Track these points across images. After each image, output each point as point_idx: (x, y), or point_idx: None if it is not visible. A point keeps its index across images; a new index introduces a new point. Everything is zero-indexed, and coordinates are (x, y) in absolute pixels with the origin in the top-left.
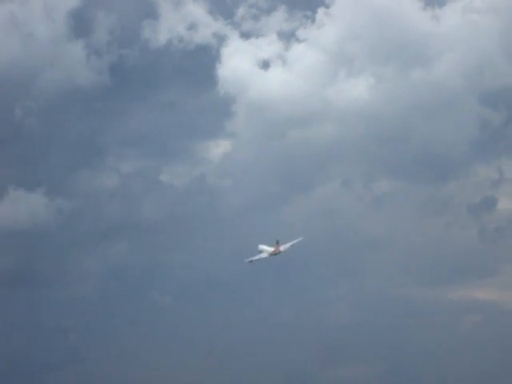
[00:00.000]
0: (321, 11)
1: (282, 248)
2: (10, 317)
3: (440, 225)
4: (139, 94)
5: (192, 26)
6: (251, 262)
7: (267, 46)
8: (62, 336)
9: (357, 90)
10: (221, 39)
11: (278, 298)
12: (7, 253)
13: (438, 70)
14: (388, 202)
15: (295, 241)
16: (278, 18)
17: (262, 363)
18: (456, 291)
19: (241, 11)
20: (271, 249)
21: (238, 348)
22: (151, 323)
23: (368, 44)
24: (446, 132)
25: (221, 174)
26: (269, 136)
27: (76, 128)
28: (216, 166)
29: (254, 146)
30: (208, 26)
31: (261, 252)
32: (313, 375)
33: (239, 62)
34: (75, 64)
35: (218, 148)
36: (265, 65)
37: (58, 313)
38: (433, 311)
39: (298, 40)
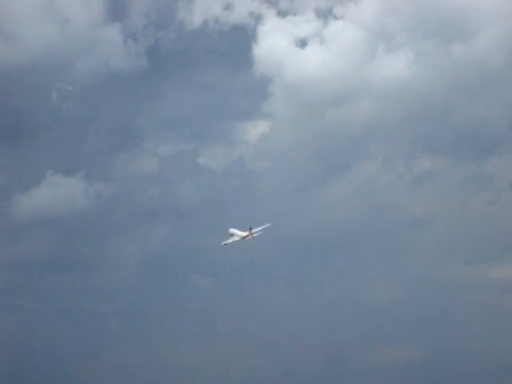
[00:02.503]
0: None
1: (254, 233)
2: (49, 302)
3: (482, 203)
4: (176, 77)
5: (228, 6)
6: (226, 245)
7: (304, 24)
8: (103, 321)
9: (396, 66)
10: (257, 18)
11: (319, 280)
12: (46, 238)
13: (478, 46)
14: (429, 181)
15: (263, 226)
16: None
17: (303, 345)
18: (498, 270)
19: None
20: (243, 233)
21: (279, 329)
22: (192, 306)
23: (407, 19)
24: (488, 108)
25: (258, 156)
26: (307, 116)
27: (113, 112)
28: (253, 148)
29: (291, 126)
30: (244, 6)
31: (232, 235)
32: (354, 357)
33: (276, 41)
34: (112, 48)
35: (256, 129)
36: (302, 43)
37: (98, 298)
38: (475, 290)
39: (336, 17)
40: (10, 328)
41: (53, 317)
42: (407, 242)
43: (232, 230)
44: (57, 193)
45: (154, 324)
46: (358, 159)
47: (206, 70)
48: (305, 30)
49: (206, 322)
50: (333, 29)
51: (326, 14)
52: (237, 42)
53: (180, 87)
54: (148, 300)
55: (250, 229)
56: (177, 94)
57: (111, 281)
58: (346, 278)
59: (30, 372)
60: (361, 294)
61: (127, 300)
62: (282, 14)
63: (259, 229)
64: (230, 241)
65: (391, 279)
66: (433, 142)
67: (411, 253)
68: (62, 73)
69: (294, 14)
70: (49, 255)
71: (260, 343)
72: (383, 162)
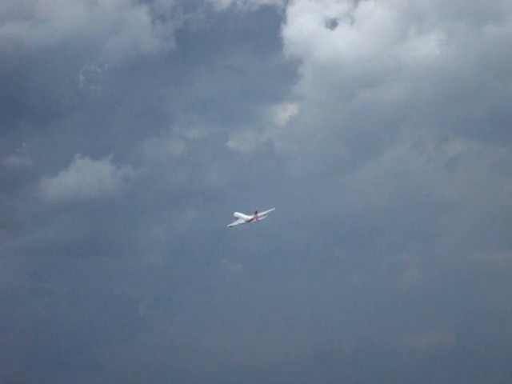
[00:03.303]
0: None
1: (259, 217)
2: (78, 287)
3: None
4: (204, 59)
5: None
6: (231, 227)
7: (335, 5)
8: (132, 305)
9: (428, 47)
10: None
11: (349, 264)
12: (74, 222)
13: (511, 26)
14: (461, 164)
15: (268, 210)
16: None
17: (333, 329)
18: None
19: None
20: (248, 217)
21: (309, 314)
22: (221, 291)
23: None
24: None
25: (288, 139)
26: (337, 98)
27: (141, 94)
28: (283, 131)
29: (321, 108)
30: None
31: (237, 219)
32: (385, 342)
33: (305, 22)
34: (140, 30)
35: (285, 112)
36: (332, 24)
37: (127, 282)
38: (508, 275)
39: None
40: (38, 312)
41: (80, 301)
42: (439, 226)
43: (237, 214)
44: (85, 176)
45: (183, 308)
46: (388, 142)
47: (235, 51)
48: (335, 10)
49: (235, 305)
50: (363, 9)
51: None
52: (266, 22)
53: (208, 69)
54: (177, 284)
55: (256, 212)
56: (205, 77)
57: (139, 264)
58: (377, 263)
59: (58, 356)
60: (392, 279)
61: (155, 284)
62: None
63: (264, 213)
64: (235, 223)
65: (422, 263)
66: (465, 125)
67: (443, 237)
68: (89, 55)
69: None
70: (76, 239)
71: (289, 328)
72: (414, 145)
